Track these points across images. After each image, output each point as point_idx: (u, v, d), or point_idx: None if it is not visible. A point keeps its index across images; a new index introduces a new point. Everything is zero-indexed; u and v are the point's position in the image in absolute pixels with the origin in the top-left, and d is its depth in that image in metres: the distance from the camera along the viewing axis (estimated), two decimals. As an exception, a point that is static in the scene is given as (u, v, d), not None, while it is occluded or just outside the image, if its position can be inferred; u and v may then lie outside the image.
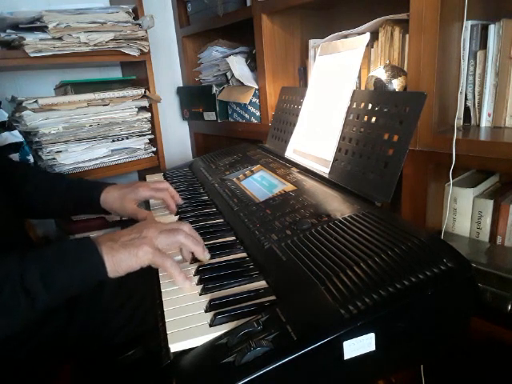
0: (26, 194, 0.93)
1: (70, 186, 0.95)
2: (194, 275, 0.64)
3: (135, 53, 1.38)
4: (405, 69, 0.96)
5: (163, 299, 0.59)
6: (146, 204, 1.00)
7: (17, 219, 0.89)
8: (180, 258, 0.68)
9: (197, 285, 0.61)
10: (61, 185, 0.95)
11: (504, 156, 0.76)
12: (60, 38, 1.22)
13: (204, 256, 0.66)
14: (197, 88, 1.73)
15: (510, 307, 0.76)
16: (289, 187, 0.85)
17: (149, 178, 1.24)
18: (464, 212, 0.95)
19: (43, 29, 1.20)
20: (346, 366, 0.45)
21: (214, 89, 1.56)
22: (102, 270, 0.59)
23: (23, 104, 1.23)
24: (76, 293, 0.60)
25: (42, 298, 0.56)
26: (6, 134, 1.21)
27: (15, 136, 1.22)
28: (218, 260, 0.67)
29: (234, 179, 1.00)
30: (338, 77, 0.94)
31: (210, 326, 0.51)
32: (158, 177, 1.23)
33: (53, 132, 1.27)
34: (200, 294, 0.58)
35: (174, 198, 0.93)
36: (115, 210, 0.91)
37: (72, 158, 1.33)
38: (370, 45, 1.07)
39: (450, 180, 0.87)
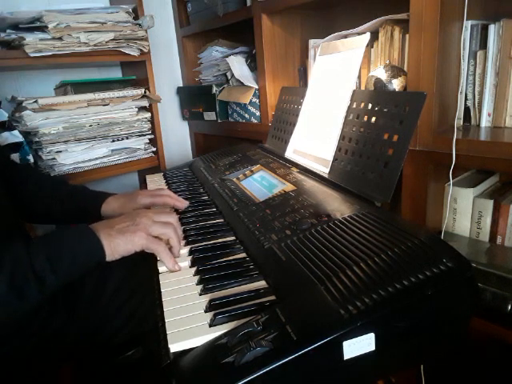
0: (28, 197, 0.93)
1: (72, 193, 0.94)
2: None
3: (135, 53, 1.38)
4: (405, 69, 0.96)
5: (163, 299, 0.58)
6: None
7: (17, 220, 0.89)
8: None
9: (197, 285, 0.61)
10: (63, 191, 0.95)
11: (504, 156, 0.76)
12: (60, 38, 1.22)
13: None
14: (197, 88, 1.73)
15: (510, 307, 0.76)
16: (289, 187, 0.85)
17: (149, 178, 1.24)
18: (464, 212, 0.95)
19: (43, 29, 1.20)
20: (345, 366, 0.45)
21: (214, 89, 1.56)
22: (101, 252, 0.64)
23: (23, 104, 1.23)
24: (78, 274, 0.64)
25: (50, 280, 0.59)
26: (6, 133, 1.21)
27: (15, 136, 1.22)
28: (217, 260, 0.67)
29: (234, 179, 1.00)
30: (338, 77, 0.94)
31: (210, 326, 0.50)
32: (158, 177, 1.23)
33: (53, 132, 1.27)
34: (200, 294, 0.58)
35: (179, 202, 0.89)
36: None
37: (72, 157, 1.33)
38: (369, 45, 1.07)
39: (450, 180, 0.87)
